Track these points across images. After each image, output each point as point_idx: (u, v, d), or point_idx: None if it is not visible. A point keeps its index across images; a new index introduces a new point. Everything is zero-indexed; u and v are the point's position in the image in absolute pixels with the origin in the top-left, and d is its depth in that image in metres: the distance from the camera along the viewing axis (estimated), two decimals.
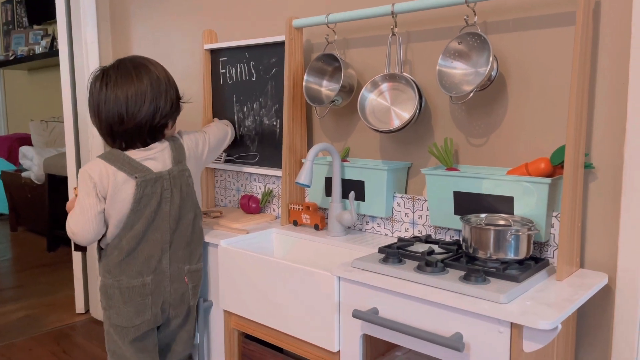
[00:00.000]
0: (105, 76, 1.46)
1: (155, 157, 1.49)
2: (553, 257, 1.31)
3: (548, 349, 1.14)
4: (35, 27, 5.17)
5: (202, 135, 1.68)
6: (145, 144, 1.49)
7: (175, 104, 1.53)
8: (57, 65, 2.95)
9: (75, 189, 1.51)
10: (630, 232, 1.20)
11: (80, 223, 1.45)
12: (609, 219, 1.26)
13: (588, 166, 1.27)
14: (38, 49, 4.89)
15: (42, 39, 4.96)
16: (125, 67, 1.47)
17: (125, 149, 1.49)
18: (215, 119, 2.05)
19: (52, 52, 4.66)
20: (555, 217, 1.30)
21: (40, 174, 4.28)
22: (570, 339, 1.27)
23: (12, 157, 5.07)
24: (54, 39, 4.81)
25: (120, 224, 1.46)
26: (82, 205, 1.44)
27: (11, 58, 5.04)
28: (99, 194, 1.44)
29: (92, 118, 1.48)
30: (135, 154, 1.47)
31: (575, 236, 1.25)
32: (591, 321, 1.30)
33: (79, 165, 2.86)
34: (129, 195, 1.44)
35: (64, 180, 3.42)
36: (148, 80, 1.45)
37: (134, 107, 1.43)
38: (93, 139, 2.73)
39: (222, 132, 1.83)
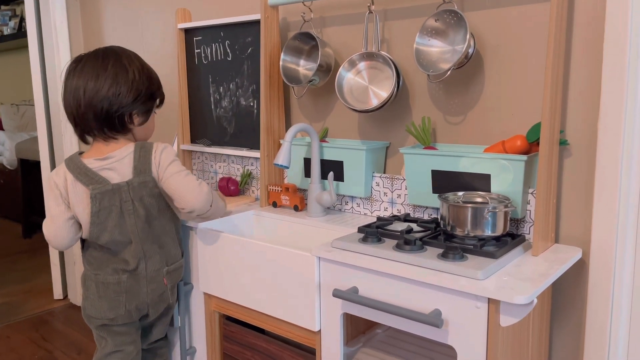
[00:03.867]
0: (77, 62, 1.45)
1: (112, 167, 1.41)
2: (529, 233, 1.33)
3: (524, 323, 1.17)
4: (3, 7, 4.99)
5: (180, 169, 1.42)
6: (103, 133, 1.42)
7: (142, 97, 1.44)
8: (26, 46, 2.86)
9: None
10: (603, 207, 1.22)
11: (52, 231, 1.43)
12: (583, 195, 1.28)
13: (563, 143, 1.28)
14: (6, 30, 4.73)
15: (10, 20, 4.80)
16: (95, 54, 1.44)
17: (87, 140, 1.46)
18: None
19: (21, 33, 4.52)
20: (532, 193, 1.32)
21: (13, 159, 4.18)
22: (546, 312, 1.30)
23: None
24: (22, 20, 4.66)
25: (87, 233, 1.43)
26: (51, 213, 1.43)
27: None
28: (65, 201, 1.41)
29: (62, 102, 1.46)
30: (93, 163, 1.41)
31: (551, 212, 1.27)
32: (566, 295, 1.33)
33: (51, 150, 2.80)
34: (87, 207, 1.40)
35: (37, 165, 3.35)
36: (112, 67, 1.41)
37: (92, 91, 1.38)
38: (66, 123, 2.66)
39: (200, 188, 1.43)
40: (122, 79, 1.40)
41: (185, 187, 1.41)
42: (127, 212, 1.41)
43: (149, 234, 1.45)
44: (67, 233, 1.43)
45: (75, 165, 1.41)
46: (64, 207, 1.42)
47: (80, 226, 1.45)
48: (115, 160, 1.42)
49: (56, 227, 1.42)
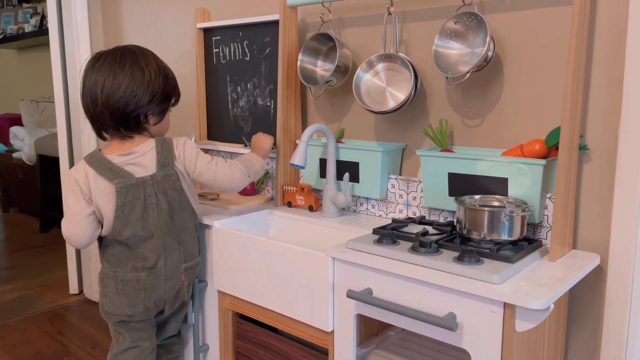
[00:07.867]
0: (96, 59, 1.46)
1: (136, 162, 1.43)
2: (546, 238, 1.32)
3: (540, 329, 1.16)
4: (24, 5, 5.07)
5: (209, 160, 1.51)
6: (118, 132, 1.44)
7: (158, 98, 1.45)
8: (47, 44, 2.91)
9: None
10: (623, 214, 1.21)
11: (72, 228, 1.43)
12: (602, 201, 1.27)
13: (583, 147, 1.27)
14: (27, 28, 4.80)
15: (31, 18, 4.87)
16: (114, 53, 1.45)
17: (105, 137, 1.48)
18: (245, 157, 1.64)
19: (42, 30, 4.58)
20: (549, 198, 1.30)
21: (32, 155, 4.25)
22: (562, 318, 1.29)
23: (3, 138, 5.01)
24: (43, 17, 4.73)
25: (109, 228, 1.44)
26: (71, 210, 1.43)
27: (0, 37, 4.96)
28: (85, 196, 1.42)
29: (81, 99, 1.47)
30: (116, 159, 1.43)
31: (569, 217, 1.25)
32: (582, 301, 1.31)
33: (70, 146, 2.84)
34: (111, 201, 1.41)
35: (55, 160, 3.39)
36: (129, 67, 1.42)
37: (109, 90, 1.39)
38: (84, 120, 2.69)
39: (231, 172, 1.54)
40: (138, 80, 1.41)
41: (221, 177, 1.52)
42: (150, 205, 1.43)
43: (170, 228, 1.47)
44: (88, 229, 1.43)
45: (98, 161, 1.43)
46: (85, 203, 1.42)
47: (99, 223, 1.46)
48: (138, 155, 1.44)
49: (76, 223, 1.42)
